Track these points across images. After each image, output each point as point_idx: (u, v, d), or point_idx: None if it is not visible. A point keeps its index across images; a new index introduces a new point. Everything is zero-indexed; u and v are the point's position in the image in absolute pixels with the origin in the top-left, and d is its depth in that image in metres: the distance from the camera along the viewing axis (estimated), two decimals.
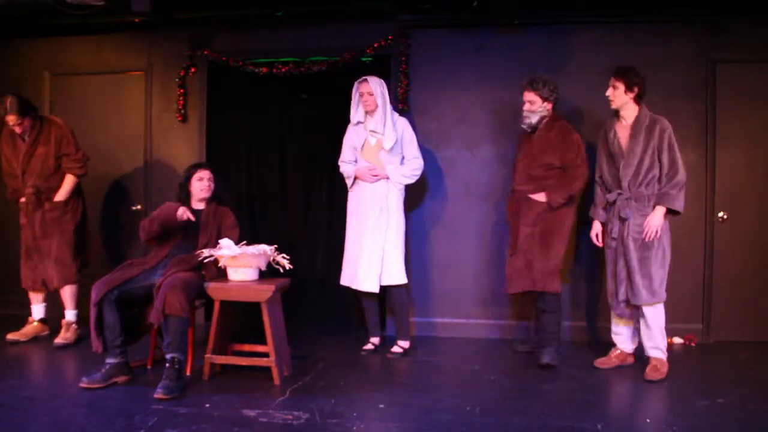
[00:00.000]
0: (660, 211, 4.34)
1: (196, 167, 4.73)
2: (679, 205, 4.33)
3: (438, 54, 5.65)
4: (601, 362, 4.65)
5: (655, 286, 4.34)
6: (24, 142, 5.14)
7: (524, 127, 4.77)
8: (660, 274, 4.37)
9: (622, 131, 4.49)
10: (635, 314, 4.51)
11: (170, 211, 4.34)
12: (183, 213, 4.32)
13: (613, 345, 4.71)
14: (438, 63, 5.65)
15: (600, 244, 4.70)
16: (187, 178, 4.66)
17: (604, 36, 5.45)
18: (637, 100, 4.45)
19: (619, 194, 4.45)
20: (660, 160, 4.36)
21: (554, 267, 4.67)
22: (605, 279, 4.68)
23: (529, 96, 4.69)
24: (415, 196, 5.35)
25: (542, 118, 4.71)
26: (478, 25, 5.59)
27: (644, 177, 4.38)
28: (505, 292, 4.91)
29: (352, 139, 5.13)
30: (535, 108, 4.69)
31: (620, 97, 4.44)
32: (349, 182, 5.14)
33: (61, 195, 5.16)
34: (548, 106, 4.70)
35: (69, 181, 5.18)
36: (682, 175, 4.33)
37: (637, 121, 4.43)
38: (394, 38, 5.64)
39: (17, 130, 5.07)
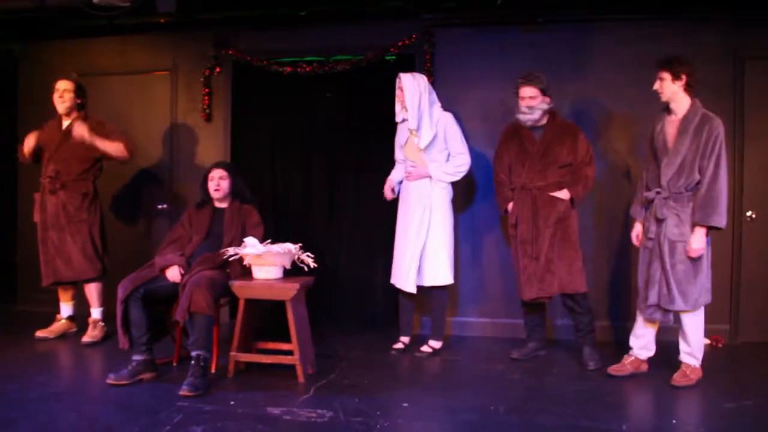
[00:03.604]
0: (700, 232, 4.05)
1: (210, 168, 4.76)
2: (719, 220, 4.04)
3: (462, 53, 5.64)
4: (615, 369, 4.44)
5: (691, 293, 4.12)
6: (60, 130, 5.21)
7: (528, 123, 4.64)
8: (697, 280, 4.13)
9: (670, 126, 4.26)
10: (667, 318, 4.27)
11: (163, 265, 4.31)
12: (169, 276, 4.27)
13: (628, 350, 4.51)
14: (462, 62, 5.64)
15: (639, 244, 4.46)
16: (205, 179, 4.71)
17: (629, 34, 5.39)
18: (689, 90, 4.20)
19: (658, 193, 4.22)
20: (700, 165, 4.09)
21: (581, 266, 4.63)
22: (635, 278, 4.56)
23: (530, 91, 4.58)
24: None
25: (543, 112, 4.62)
26: (502, 24, 5.56)
27: (686, 179, 4.12)
28: (526, 298, 4.67)
29: (398, 137, 5.13)
30: (536, 103, 4.58)
31: (668, 87, 4.19)
32: (391, 185, 5.15)
33: (100, 143, 5.14)
34: (547, 99, 4.62)
35: (117, 147, 5.21)
36: (722, 186, 4.04)
37: (686, 118, 4.18)
38: (418, 37, 5.63)
39: (59, 98, 5.16)
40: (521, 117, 4.64)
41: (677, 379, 4.21)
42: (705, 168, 4.07)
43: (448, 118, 5.00)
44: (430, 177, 4.93)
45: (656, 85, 4.28)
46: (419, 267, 4.91)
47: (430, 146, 4.91)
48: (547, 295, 4.61)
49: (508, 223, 4.84)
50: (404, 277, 4.93)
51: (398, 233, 5.08)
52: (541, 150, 4.62)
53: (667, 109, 4.33)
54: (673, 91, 4.20)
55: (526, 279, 4.62)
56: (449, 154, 4.99)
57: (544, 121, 4.67)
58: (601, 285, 5.48)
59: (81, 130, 5.09)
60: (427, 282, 4.92)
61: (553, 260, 4.57)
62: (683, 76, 4.17)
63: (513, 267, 4.86)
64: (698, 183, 4.12)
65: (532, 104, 4.59)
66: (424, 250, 4.90)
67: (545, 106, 4.61)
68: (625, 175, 5.38)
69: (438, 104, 5.02)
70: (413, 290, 4.91)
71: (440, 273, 4.92)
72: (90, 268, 5.22)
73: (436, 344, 5.04)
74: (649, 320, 4.34)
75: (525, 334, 4.97)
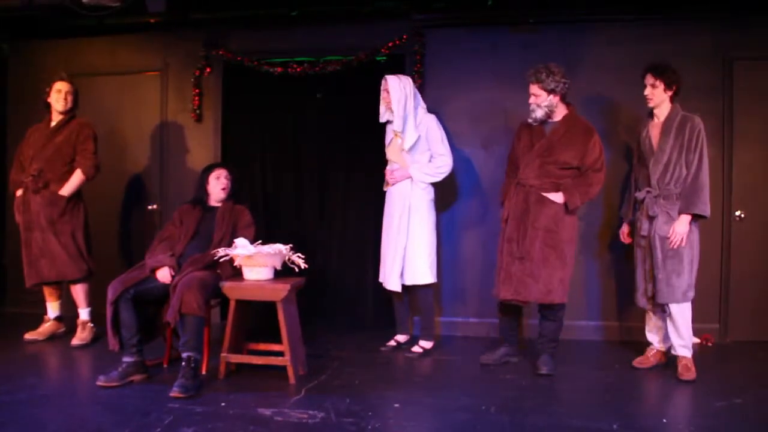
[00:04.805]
0: (685, 218, 4.27)
1: (212, 167, 4.81)
2: (703, 209, 4.26)
3: (452, 53, 5.65)
4: (639, 362, 4.62)
5: (680, 285, 4.29)
6: (48, 129, 5.18)
7: (531, 121, 4.53)
8: (685, 273, 4.31)
9: (654, 129, 4.45)
10: (662, 313, 4.48)
11: (154, 266, 4.28)
12: (160, 277, 4.25)
13: (648, 344, 4.69)
14: (452, 62, 5.64)
15: (628, 240, 4.68)
16: (205, 178, 4.71)
17: (620, 34, 5.42)
18: (673, 98, 4.39)
19: (648, 192, 4.40)
20: (686, 160, 4.30)
21: (567, 276, 4.48)
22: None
23: (533, 89, 4.47)
24: (435, 195, 5.32)
25: (550, 111, 4.47)
26: (493, 24, 5.58)
27: (672, 175, 4.32)
28: (500, 297, 4.48)
29: (386, 137, 5.17)
30: (540, 101, 4.44)
31: (659, 95, 4.37)
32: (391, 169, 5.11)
33: (66, 189, 5.14)
34: (554, 98, 4.43)
35: (76, 177, 5.17)
36: (705, 178, 4.27)
37: (668, 119, 4.38)
38: (408, 37, 5.63)
39: (63, 99, 5.14)
40: (529, 113, 4.54)
41: (683, 373, 4.31)
42: (690, 162, 4.30)
43: (431, 120, 5.03)
44: (410, 178, 4.96)
45: (647, 91, 4.40)
46: (402, 266, 4.96)
47: (413, 148, 4.94)
48: (523, 300, 4.44)
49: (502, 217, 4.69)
50: (388, 275, 5.01)
51: (383, 233, 5.17)
52: (544, 147, 4.45)
53: (650, 113, 4.50)
54: (662, 99, 4.38)
55: (505, 277, 4.45)
56: (431, 156, 5.01)
57: (559, 117, 4.51)
58: (609, 285, 5.52)
59: (67, 190, 5.16)
60: (408, 281, 4.97)
61: (537, 265, 4.39)
62: (674, 86, 4.35)
63: (496, 262, 4.68)
64: (685, 178, 4.32)
65: (535, 102, 4.47)
66: (405, 250, 4.95)
67: (552, 105, 4.45)
68: (617, 173, 5.39)
69: (423, 106, 5.06)
70: (397, 288, 4.97)
71: (420, 272, 4.96)
72: (75, 269, 5.18)
73: (426, 344, 5.06)
74: (653, 313, 4.56)
75: (498, 336, 4.85)
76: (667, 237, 4.31)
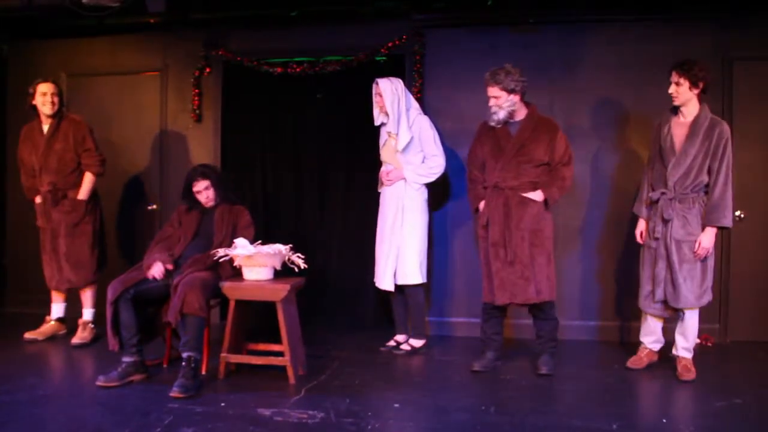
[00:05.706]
0: (711, 231, 4.21)
1: (192, 177, 4.62)
2: (729, 222, 4.20)
3: (452, 53, 5.64)
4: (633, 362, 4.57)
5: (697, 290, 4.25)
6: (42, 135, 5.16)
7: (493, 123, 4.47)
8: (703, 278, 4.27)
9: (678, 128, 4.31)
10: (670, 315, 4.44)
11: (150, 265, 4.28)
12: (153, 273, 4.24)
13: (640, 344, 4.64)
14: (452, 62, 5.64)
15: (643, 241, 4.54)
16: (188, 189, 4.62)
17: (619, 34, 5.40)
18: (701, 96, 4.27)
19: (663, 194, 4.30)
20: (710, 167, 4.20)
21: (552, 273, 4.46)
22: (638, 278, 4.59)
23: (493, 91, 4.37)
24: (429, 195, 5.33)
25: (512, 111, 4.42)
26: (493, 24, 5.57)
27: (693, 180, 4.23)
28: (498, 302, 4.43)
29: (381, 139, 5.20)
30: (501, 103, 4.38)
31: (684, 93, 4.23)
32: (387, 170, 5.11)
33: (83, 194, 5.18)
34: (515, 98, 4.37)
35: (88, 180, 5.20)
36: (730, 190, 4.20)
37: (696, 121, 4.24)
38: (408, 38, 5.63)
39: (50, 102, 5.09)
40: (490, 116, 4.48)
41: (683, 374, 4.30)
42: (716, 170, 4.19)
43: (424, 121, 5.05)
44: (404, 179, 4.99)
45: (671, 89, 4.28)
46: (395, 266, 5.00)
47: (406, 149, 4.96)
48: (521, 303, 4.42)
49: (478, 223, 4.62)
50: (381, 275, 5.05)
51: (377, 233, 5.19)
52: (516, 147, 4.41)
53: (673, 109, 4.37)
54: (688, 97, 4.25)
55: (500, 283, 4.41)
56: (424, 157, 5.03)
57: (522, 116, 4.48)
58: (608, 284, 5.51)
59: (84, 194, 5.20)
60: (400, 281, 5.01)
61: (527, 266, 4.37)
62: (701, 84, 4.21)
63: (481, 268, 4.61)
64: (706, 185, 4.24)
65: (496, 103, 4.41)
66: (398, 250, 4.98)
67: (513, 106, 4.40)
68: (619, 173, 5.39)
69: (414, 107, 5.09)
70: (390, 288, 5.00)
71: (410, 272, 4.98)
72: (97, 271, 5.26)
73: (416, 343, 5.08)
74: (657, 317, 4.49)
75: (481, 342, 4.72)
76: (683, 241, 4.24)
